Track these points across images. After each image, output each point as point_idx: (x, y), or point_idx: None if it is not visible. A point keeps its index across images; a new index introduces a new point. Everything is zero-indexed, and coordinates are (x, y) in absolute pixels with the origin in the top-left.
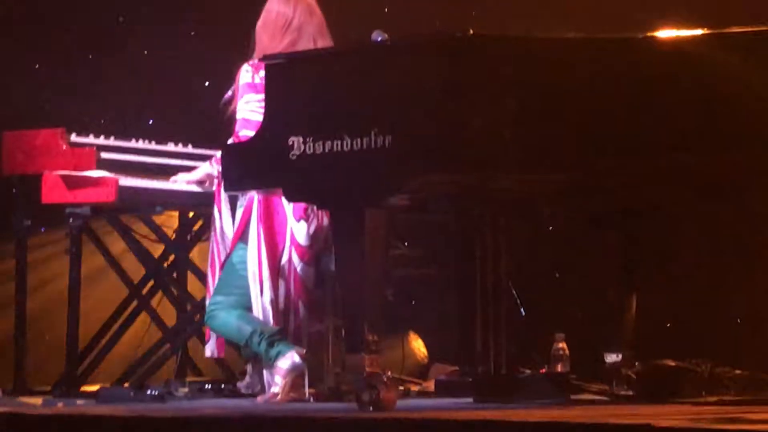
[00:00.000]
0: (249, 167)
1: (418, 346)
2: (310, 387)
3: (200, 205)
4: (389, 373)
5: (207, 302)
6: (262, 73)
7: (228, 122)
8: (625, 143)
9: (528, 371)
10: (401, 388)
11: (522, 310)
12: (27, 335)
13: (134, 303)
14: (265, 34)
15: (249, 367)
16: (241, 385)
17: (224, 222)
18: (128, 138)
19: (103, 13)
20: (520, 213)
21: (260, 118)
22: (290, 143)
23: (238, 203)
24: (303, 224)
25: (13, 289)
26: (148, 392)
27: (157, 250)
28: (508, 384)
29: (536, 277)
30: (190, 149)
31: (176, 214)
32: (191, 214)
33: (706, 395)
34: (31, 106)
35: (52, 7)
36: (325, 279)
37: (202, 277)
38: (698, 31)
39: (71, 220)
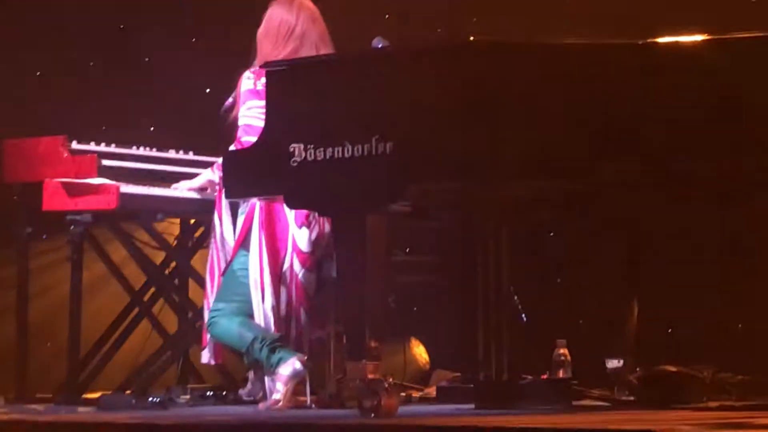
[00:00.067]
0: (250, 174)
1: (419, 352)
2: (311, 394)
3: (201, 212)
4: (391, 379)
5: (205, 308)
6: (264, 79)
7: (229, 129)
8: (629, 149)
9: (530, 377)
10: (403, 394)
11: (523, 316)
12: (28, 342)
13: (135, 310)
14: (267, 42)
15: (251, 374)
16: (243, 391)
17: (224, 229)
18: (129, 145)
19: (104, 20)
20: (522, 219)
21: (263, 124)
22: (291, 150)
23: (240, 210)
24: (305, 230)
25: (14, 297)
26: (150, 399)
27: (159, 257)
28: (509, 390)
29: (538, 283)
30: (191, 156)
31: (177, 221)
32: (192, 221)
33: (708, 401)
34: (33, 113)
35: (53, 14)
36: (326, 285)
37: (203, 284)
38: (704, 37)
39: (72, 227)
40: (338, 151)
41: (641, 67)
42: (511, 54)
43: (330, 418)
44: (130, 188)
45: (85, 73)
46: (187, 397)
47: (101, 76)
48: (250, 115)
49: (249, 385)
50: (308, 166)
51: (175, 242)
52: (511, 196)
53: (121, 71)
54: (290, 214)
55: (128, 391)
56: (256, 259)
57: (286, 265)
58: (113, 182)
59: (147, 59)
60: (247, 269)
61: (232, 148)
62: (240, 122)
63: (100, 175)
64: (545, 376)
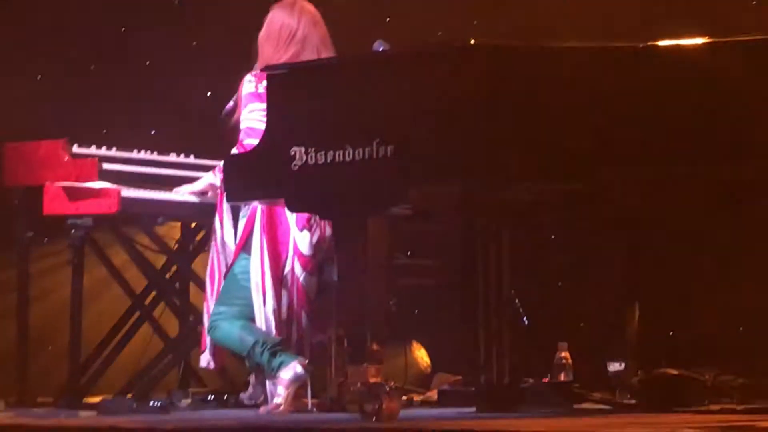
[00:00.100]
0: (251, 178)
1: (421, 355)
2: (312, 397)
3: (202, 215)
4: (392, 382)
5: (204, 311)
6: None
7: (231, 132)
8: (630, 152)
9: (531, 380)
10: (404, 397)
11: (525, 319)
12: (29, 346)
13: (136, 314)
14: (269, 45)
15: (252, 378)
16: (244, 395)
17: (225, 232)
18: (130, 149)
19: (104, 23)
20: (523, 222)
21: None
22: (292, 154)
23: (241, 213)
24: (306, 233)
25: (15, 300)
26: (151, 403)
27: (160, 260)
28: (511, 393)
29: (539, 286)
30: (191, 160)
31: (178, 224)
32: (193, 224)
33: (710, 404)
34: (33, 117)
35: (53, 17)
36: (327, 289)
37: (204, 288)
38: (704, 40)
39: (73, 231)
40: (339, 155)
41: (642, 70)
42: (512, 57)
43: (331, 421)
44: (131, 192)
45: (86, 76)
46: (189, 401)
47: (102, 80)
48: (252, 118)
49: (250, 389)
50: (309, 170)
51: (176, 246)
52: (511, 200)
53: (121, 74)
54: (291, 217)
55: (129, 395)
56: (257, 262)
57: (287, 269)
58: (114, 186)
59: (147, 62)
60: (248, 273)
61: (234, 151)
62: (242, 125)
63: (101, 178)
64: (547, 380)
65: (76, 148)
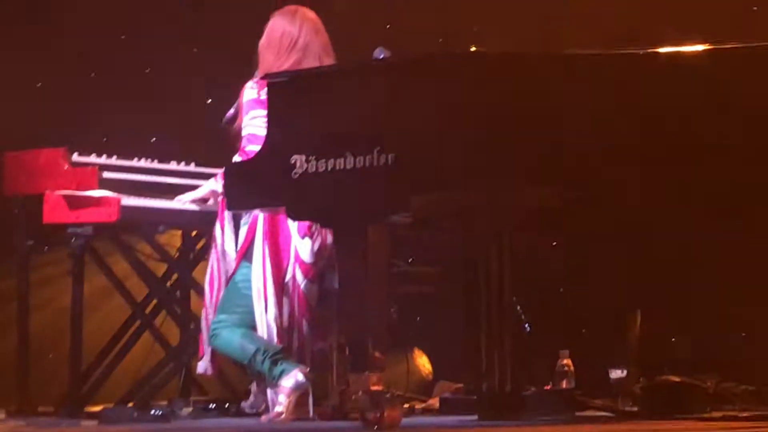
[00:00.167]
0: (251, 186)
1: (422, 362)
2: (314, 405)
3: (203, 223)
4: (394, 390)
5: (203, 318)
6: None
7: (232, 140)
8: (630, 157)
9: (533, 388)
10: (406, 405)
11: (526, 326)
12: (30, 355)
13: (137, 322)
14: (270, 53)
15: (253, 386)
16: (245, 404)
17: (226, 239)
18: (130, 157)
19: (104, 31)
20: (523, 229)
21: None
22: (293, 162)
23: (242, 221)
24: (307, 241)
25: (15, 309)
26: (152, 412)
27: (160, 269)
28: (513, 401)
29: (541, 293)
30: (192, 168)
31: (179, 233)
32: (194, 233)
33: (712, 411)
34: (33, 125)
35: (53, 26)
36: (328, 296)
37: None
38: (705, 47)
39: (73, 239)
40: (340, 163)
41: (642, 77)
42: (512, 64)
43: (333, 429)
44: (132, 200)
45: (86, 84)
46: (190, 409)
47: (102, 87)
48: (254, 124)
49: (252, 398)
50: (310, 178)
51: (177, 254)
52: (512, 207)
53: (121, 82)
54: (293, 225)
55: (130, 404)
56: (259, 270)
57: (288, 276)
58: (114, 194)
59: (148, 70)
60: (249, 281)
61: (236, 158)
62: (244, 132)
63: (101, 187)
64: (548, 387)
65: (76, 157)
